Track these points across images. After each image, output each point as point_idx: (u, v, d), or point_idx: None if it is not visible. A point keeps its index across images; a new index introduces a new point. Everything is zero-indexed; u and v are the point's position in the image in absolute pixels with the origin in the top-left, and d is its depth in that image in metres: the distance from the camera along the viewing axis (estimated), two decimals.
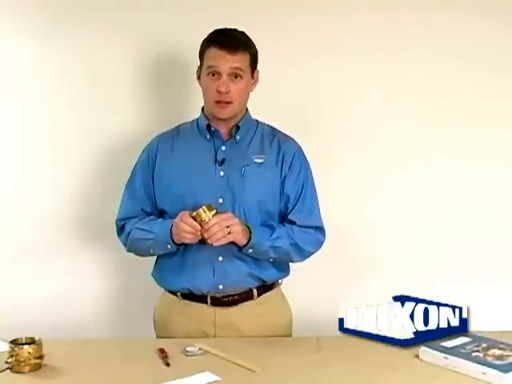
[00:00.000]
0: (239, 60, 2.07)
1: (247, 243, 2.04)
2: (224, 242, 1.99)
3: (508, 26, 2.68)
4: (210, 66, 2.08)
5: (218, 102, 2.09)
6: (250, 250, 2.06)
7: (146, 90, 2.70)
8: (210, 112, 2.14)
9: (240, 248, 2.06)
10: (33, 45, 2.67)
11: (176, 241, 2.05)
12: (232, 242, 2.03)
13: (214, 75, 2.08)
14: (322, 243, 2.19)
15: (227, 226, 1.98)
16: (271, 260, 2.12)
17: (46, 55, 2.67)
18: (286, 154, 2.16)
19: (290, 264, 2.24)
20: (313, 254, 2.19)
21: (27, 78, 2.70)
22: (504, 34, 2.68)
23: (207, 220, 1.97)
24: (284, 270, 2.21)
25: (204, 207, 1.98)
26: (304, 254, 2.17)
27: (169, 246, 2.08)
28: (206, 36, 2.13)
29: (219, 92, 2.07)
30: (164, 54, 2.67)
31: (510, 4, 2.67)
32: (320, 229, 2.19)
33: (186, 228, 1.99)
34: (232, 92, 2.07)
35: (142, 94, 2.70)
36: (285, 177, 2.15)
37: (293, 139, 2.22)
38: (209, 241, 1.98)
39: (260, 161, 2.14)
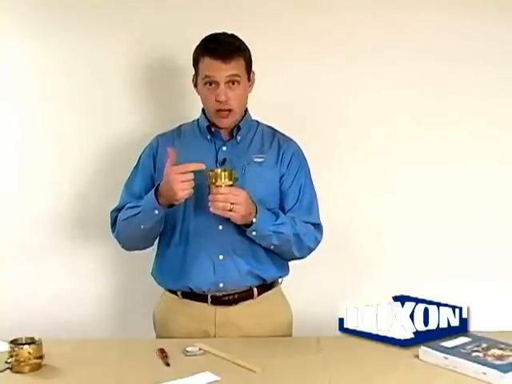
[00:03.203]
0: (234, 67, 2.07)
1: (251, 225, 2.03)
2: (220, 214, 1.98)
3: (508, 26, 2.68)
4: (206, 76, 2.08)
5: (218, 111, 2.09)
6: (254, 233, 2.05)
7: (146, 91, 2.70)
8: (211, 120, 2.15)
9: (244, 229, 2.05)
10: (33, 45, 2.67)
11: (165, 198, 1.99)
12: (238, 230, 2.05)
13: (211, 84, 2.08)
14: (319, 241, 2.19)
15: (232, 203, 1.96)
16: (272, 247, 2.11)
17: (46, 55, 2.68)
18: (285, 153, 2.18)
19: (290, 263, 2.24)
20: (311, 251, 2.18)
21: (27, 78, 2.70)
22: (504, 33, 2.68)
23: (220, 184, 1.94)
24: (284, 269, 2.22)
25: (222, 172, 1.95)
26: (303, 249, 2.16)
27: (156, 212, 2.02)
28: (199, 40, 2.12)
29: (218, 101, 2.07)
30: (164, 55, 2.67)
31: (509, 4, 2.67)
32: (318, 226, 2.19)
33: (180, 178, 1.94)
34: (231, 99, 2.08)
35: (141, 94, 2.70)
36: (283, 175, 2.16)
37: (292, 140, 2.23)
38: (209, 203, 1.97)
39: (260, 160, 2.15)
